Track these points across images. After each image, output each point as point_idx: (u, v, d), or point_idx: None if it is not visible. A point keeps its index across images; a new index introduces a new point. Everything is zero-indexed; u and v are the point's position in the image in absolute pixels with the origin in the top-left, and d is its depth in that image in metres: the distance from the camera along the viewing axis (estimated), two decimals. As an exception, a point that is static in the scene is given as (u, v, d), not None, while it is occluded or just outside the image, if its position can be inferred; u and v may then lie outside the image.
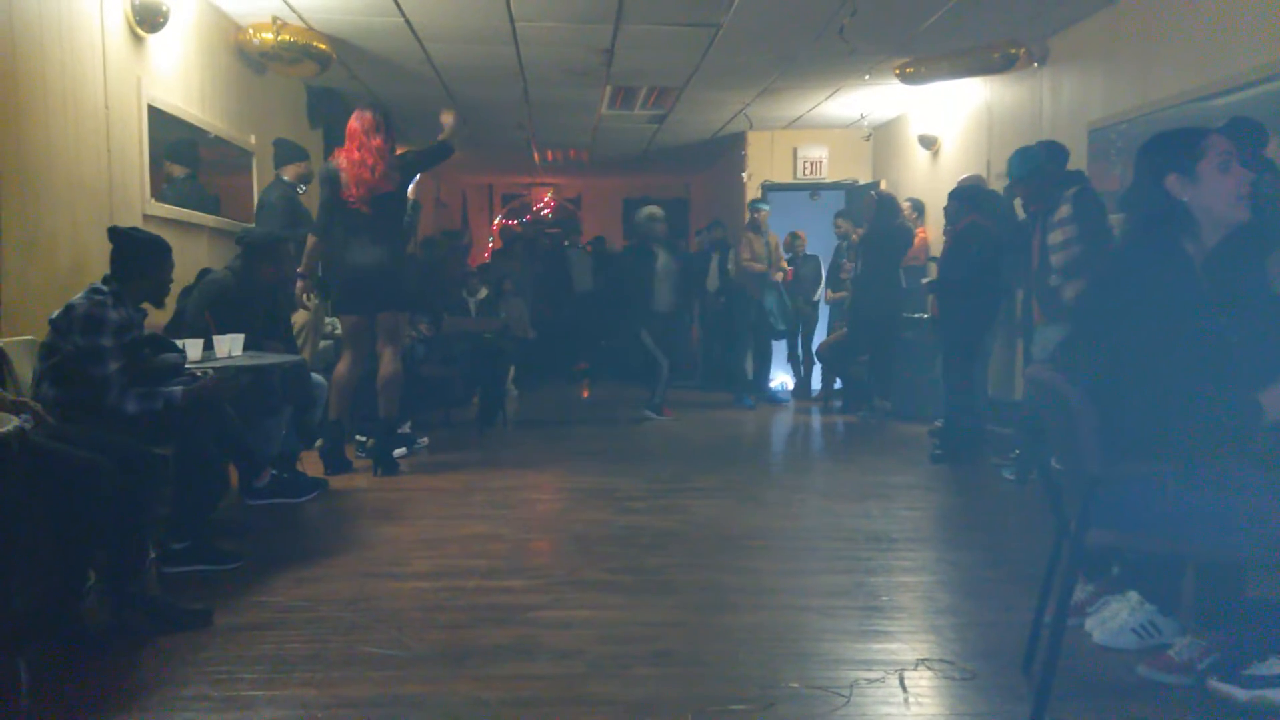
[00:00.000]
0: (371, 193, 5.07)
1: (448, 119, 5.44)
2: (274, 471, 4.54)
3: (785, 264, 9.00)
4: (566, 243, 11.92)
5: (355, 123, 5.13)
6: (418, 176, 6.19)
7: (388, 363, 5.31)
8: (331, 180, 5.16)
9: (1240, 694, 2.48)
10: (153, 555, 3.24)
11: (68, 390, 3.35)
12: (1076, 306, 4.37)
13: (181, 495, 3.55)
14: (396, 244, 5.27)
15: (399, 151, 5.31)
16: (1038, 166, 4.95)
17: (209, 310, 4.40)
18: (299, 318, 5.68)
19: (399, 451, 5.76)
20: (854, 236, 8.52)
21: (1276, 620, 2.59)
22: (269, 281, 4.66)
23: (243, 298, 4.52)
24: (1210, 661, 2.61)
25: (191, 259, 5.20)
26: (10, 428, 2.52)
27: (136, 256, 3.54)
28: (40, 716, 2.46)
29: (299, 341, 5.64)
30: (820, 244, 9.39)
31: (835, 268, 8.81)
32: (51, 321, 3.39)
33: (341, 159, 5.15)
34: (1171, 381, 2.28)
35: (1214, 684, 2.54)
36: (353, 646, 2.90)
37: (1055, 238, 4.77)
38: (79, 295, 3.41)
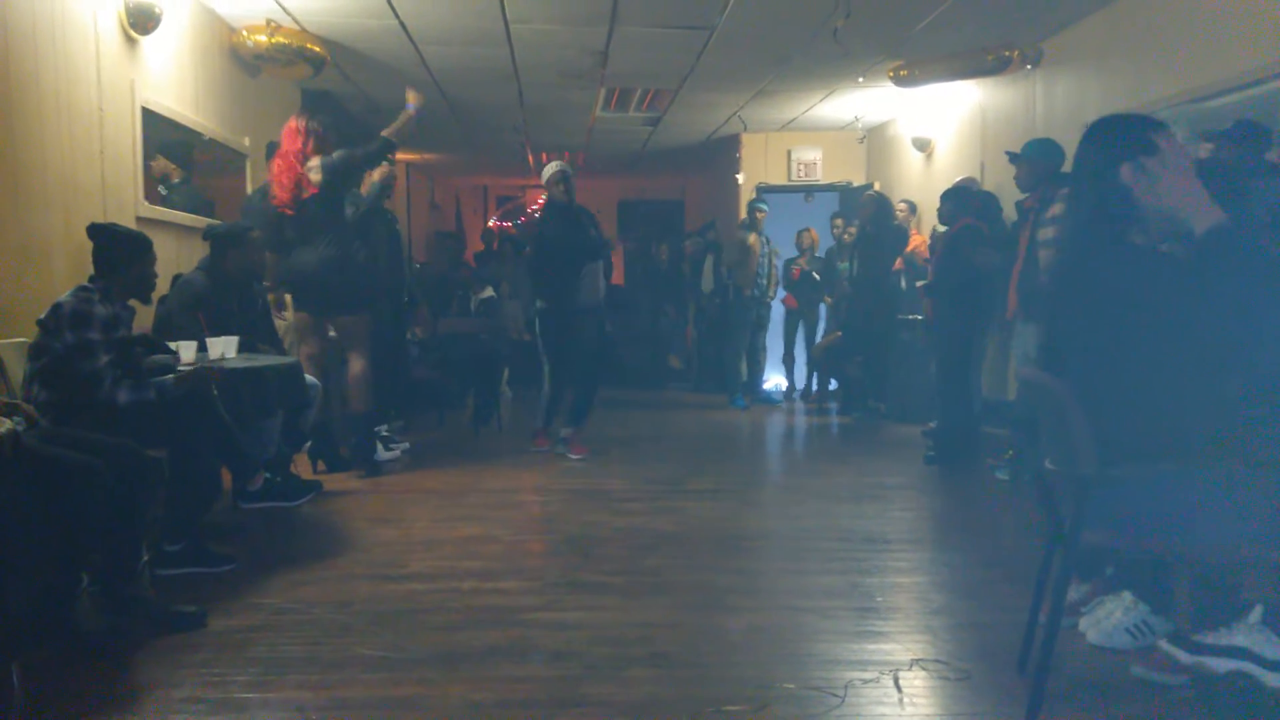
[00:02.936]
0: (293, 196, 5.14)
1: (412, 98, 5.41)
2: (267, 475, 4.52)
3: (789, 295, 9.07)
4: None
5: (284, 131, 5.27)
6: (398, 178, 6.13)
7: (352, 363, 5.37)
8: (267, 191, 5.33)
9: (1184, 657, 2.54)
10: (146, 558, 3.23)
11: (59, 392, 3.35)
12: (1045, 306, 4.39)
13: (175, 497, 3.54)
14: (332, 246, 5.19)
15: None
16: (1049, 154, 5.01)
17: (187, 310, 4.39)
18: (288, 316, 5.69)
19: (389, 455, 5.77)
20: (846, 236, 8.56)
21: (1230, 594, 2.63)
22: (237, 274, 4.62)
23: (218, 295, 4.52)
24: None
25: (186, 262, 5.18)
26: (2, 431, 2.51)
27: (117, 251, 3.54)
28: (33, 719, 2.45)
29: (285, 344, 5.63)
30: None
31: (831, 269, 8.81)
32: (40, 322, 3.38)
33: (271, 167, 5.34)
34: (1153, 380, 2.28)
35: (1163, 645, 2.60)
36: (347, 649, 2.89)
37: (1046, 234, 4.81)
38: (65, 295, 3.41)
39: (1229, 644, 2.48)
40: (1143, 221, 2.37)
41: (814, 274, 9.09)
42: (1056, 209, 4.78)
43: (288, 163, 5.16)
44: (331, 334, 5.87)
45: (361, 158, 5.32)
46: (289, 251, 5.27)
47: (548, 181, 6.13)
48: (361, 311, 5.38)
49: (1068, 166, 5.23)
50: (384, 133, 5.37)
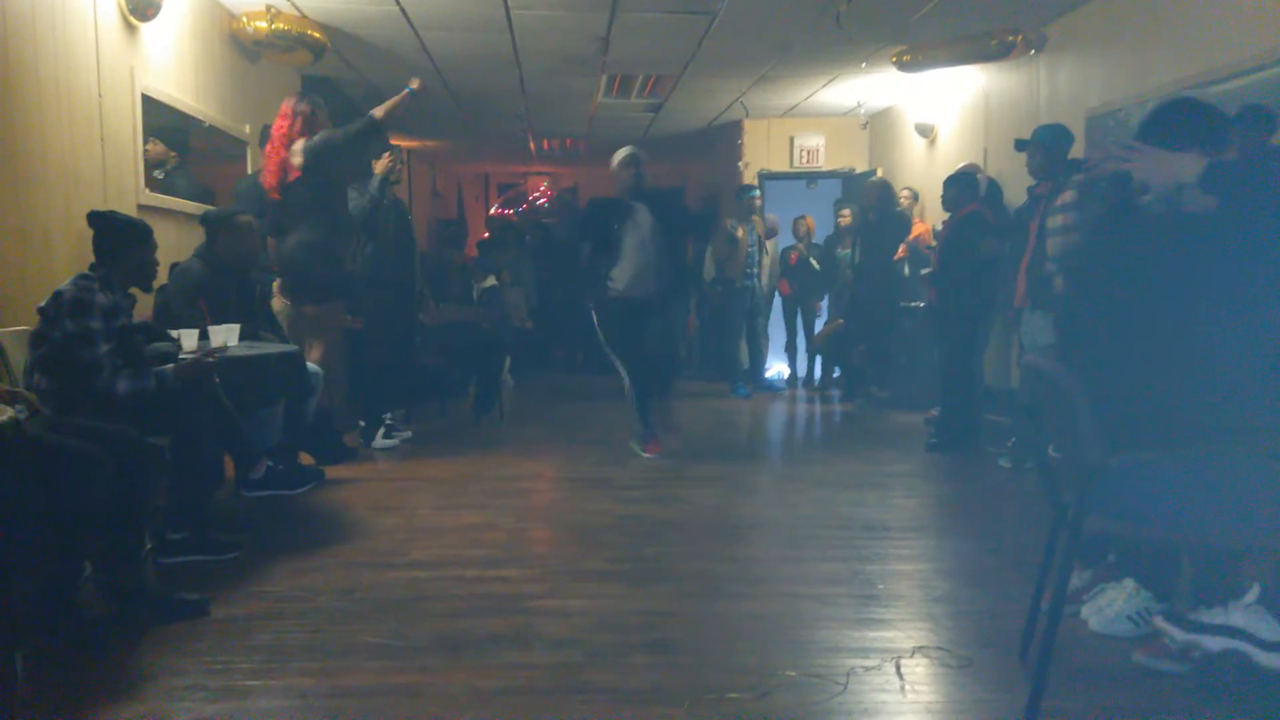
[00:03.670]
0: (280, 181, 5.11)
1: (414, 84, 5.30)
2: (270, 463, 4.52)
3: (783, 280, 9.06)
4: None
5: (278, 114, 5.22)
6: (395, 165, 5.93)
7: (310, 351, 5.15)
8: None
9: (1178, 634, 2.55)
10: (149, 546, 3.23)
11: (60, 380, 3.34)
12: (1059, 293, 4.37)
13: (178, 485, 3.55)
14: (312, 231, 5.12)
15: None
16: (1062, 139, 5.02)
17: (186, 298, 4.38)
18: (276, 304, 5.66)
19: (388, 443, 5.77)
20: (841, 220, 8.56)
21: (1229, 575, 2.63)
22: (230, 258, 4.56)
23: (216, 281, 4.51)
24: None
25: (188, 251, 5.17)
26: (5, 419, 2.51)
27: (117, 239, 3.54)
28: (36, 707, 2.46)
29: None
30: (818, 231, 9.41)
31: (829, 256, 8.78)
32: (40, 310, 3.38)
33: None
34: (1159, 367, 2.28)
35: (1159, 622, 2.62)
36: (350, 636, 2.90)
37: (1055, 222, 4.79)
38: (66, 282, 3.41)
39: (1224, 623, 2.49)
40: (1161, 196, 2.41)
41: (811, 260, 9.05)
42: (1067, 196, 4.76)
43: (274, 147, 5.14)
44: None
45: (343, 139, 5.12)
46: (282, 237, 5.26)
47: (617, 165, 5.71)
48: (331, 301, 5.31)
49: (1075, 152, 5.24)
50: (374, 111, 5.22)
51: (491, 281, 8.92)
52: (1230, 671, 2.51)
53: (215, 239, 4.53)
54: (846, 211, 8.64)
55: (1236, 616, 2.48)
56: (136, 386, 3.40)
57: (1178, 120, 2.55)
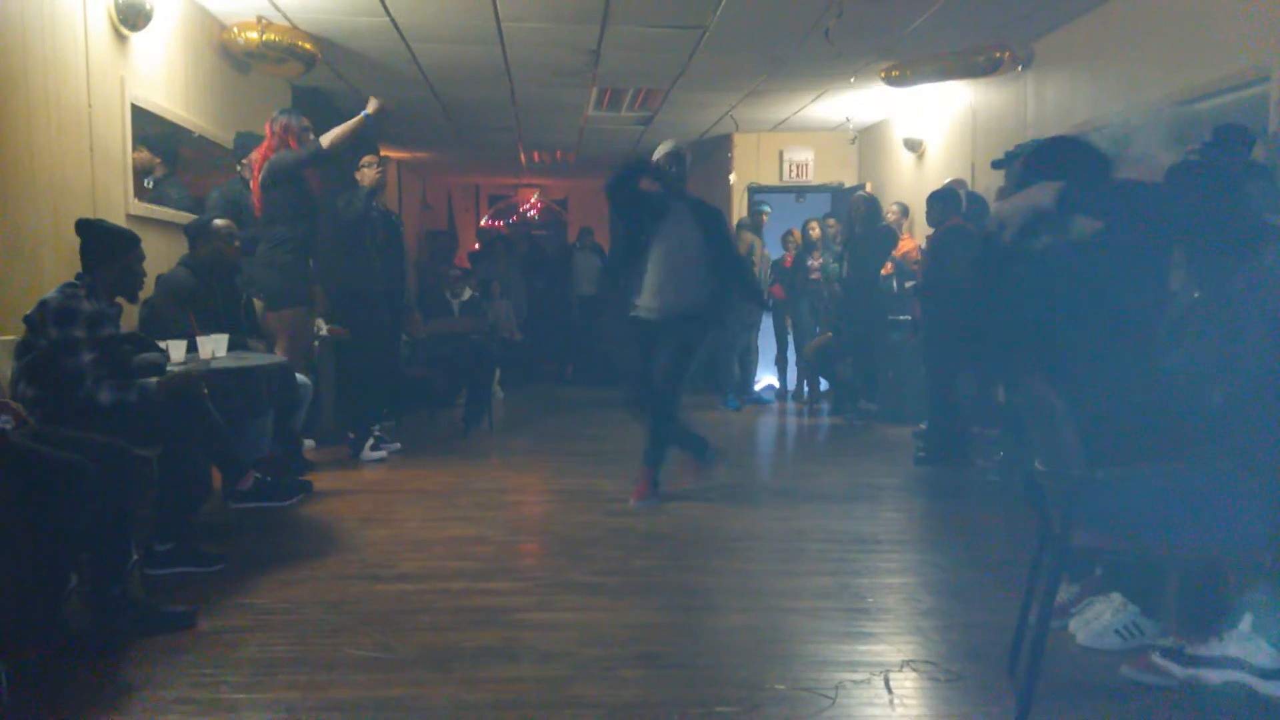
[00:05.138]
0: (258, 196, 5.25)
1: (371, 107, 5.30)
2: (257, 475, 4.51)
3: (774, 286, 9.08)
4: (576, 244, 11.82)
5: None
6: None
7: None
8: None
9: (1178, 671, 2.55)
10: (135, 557, 3.21)
11: (46, 390, 3.33)
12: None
13: (165, 497, 3.53)
14: (269, 240, 5.21)
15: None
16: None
17: (174, 305, 4.40)
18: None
19: (377, 455, 5.76)
20: (813, 233, 8.59)
21: (1220, 604, 2.64)
22: (212, 264, 4.66)
23: (203, 288, 4.57)
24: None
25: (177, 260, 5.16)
26: (-10, 429, 2.50)
27: (103, 247, 3.53)
28: (21, 719, 2.44)
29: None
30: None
31: (800, 265, 8.80)
32: (26, 319, 3.37)
33: None
34: (1138, 381, 2.30)
35: (1156, 659, 2.61)
36: (337, 649, 2.89)
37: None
38: (52, 291, 3.40)
39: (1222, 654, 2.49)
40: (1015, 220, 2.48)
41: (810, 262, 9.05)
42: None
43: (257, 163, 5.26)
44: (324, 332, 5.86)
45: (287, 164, 5.21)
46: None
47: (659, 161, 5.04)
48: (286, 307, 5.32)
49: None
50: (321, 139, 5.26)
51: (469, 294, 8.87)
52: (1221, 689, 2.51)
53: (195, 246, 4.63)
54: (815, 223, 8.73)
55: (1233, 647, 2.49)
56: (119, 398, 3.38)
57: (1055, 155, 2.64)
